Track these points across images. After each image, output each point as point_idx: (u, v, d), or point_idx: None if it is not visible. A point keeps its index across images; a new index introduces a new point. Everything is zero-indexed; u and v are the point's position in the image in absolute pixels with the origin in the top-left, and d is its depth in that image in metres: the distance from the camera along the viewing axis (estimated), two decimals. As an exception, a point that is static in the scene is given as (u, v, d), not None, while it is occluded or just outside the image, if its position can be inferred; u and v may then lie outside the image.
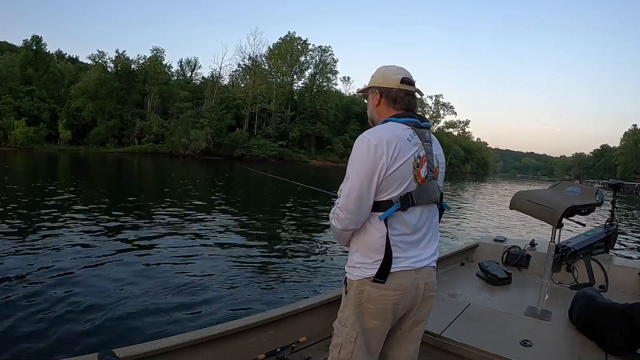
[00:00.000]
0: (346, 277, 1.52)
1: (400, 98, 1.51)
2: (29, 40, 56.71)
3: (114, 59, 59.24)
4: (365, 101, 1.65)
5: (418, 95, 1.57)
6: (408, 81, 1.51)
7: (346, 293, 1.52)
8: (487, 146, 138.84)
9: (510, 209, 2.99)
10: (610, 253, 3.65)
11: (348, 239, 1.50)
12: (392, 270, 1.40)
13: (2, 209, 8.98)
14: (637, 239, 11.48)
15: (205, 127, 54.45)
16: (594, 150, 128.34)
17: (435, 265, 1.53)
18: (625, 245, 9.61)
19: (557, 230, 2.71)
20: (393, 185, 1.39)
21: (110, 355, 1.63)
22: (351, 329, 1.48)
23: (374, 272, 1.40)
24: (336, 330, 1.54)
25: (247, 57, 70.15)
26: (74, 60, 70.72)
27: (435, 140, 1.53)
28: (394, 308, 1.44)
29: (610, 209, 3.84)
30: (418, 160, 1.42)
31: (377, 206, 1.40)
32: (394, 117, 1.47)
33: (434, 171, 1.48)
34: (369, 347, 1.48)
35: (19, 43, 59.81)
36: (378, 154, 1.36)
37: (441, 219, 1.64)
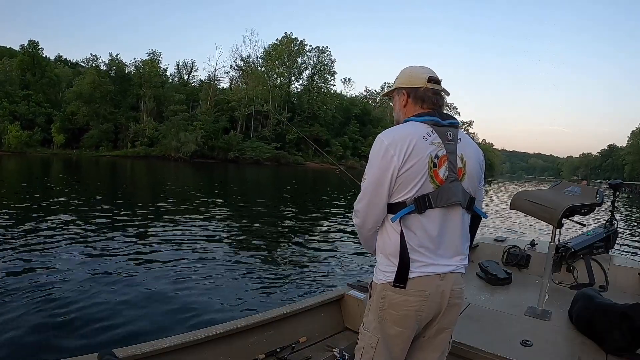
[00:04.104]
0: (372, 281, 1.50)
1: (427, 97, 1.48)
2: (25, 44, 57.12)
3: (107, 62, 59.49)
4: (391, 104, 1.62)
5: (445, 95, 1.53)
6: (435, 80, 1.49)
7: (370, 297, 1.50)
8: (493, 147, 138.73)
9: (511, 209, 2.99)
10: (610, 253, 3.64)
11: (372, 241, 1.50)
12: (413, 275, 1.37)
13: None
14: (637, 239, 11.47)
15: (198, 129, 54.48)
16: (601, 150, 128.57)
17: (463, 271, 1.47)
18: (625, 245, 9.60)
19: (557, 230, 2.70)
20: (407, 186, 1.36)
21: (110, 355, 1.63)
22: (373, 334, 1.45)
23: (394, 276, 1.38)
24: (360, 334, 1.52)
25: (239, 58, 70.28)
26: (74, 65, 70.81)
27: (465, 140, 1.47)
28: (416, 315, 1.40)
29: (611, 209, 3.84)
30: (435, 160, 1.36)
31: (392, 208, 1.38)
32: (414, 117, 1.45)
33: (457, 172, 1.41)
34: (391, 354, 1.44)
35: (18, 48, 60.05)
36: (389, 154, 1.35)
37: (477, 227, 1.57)
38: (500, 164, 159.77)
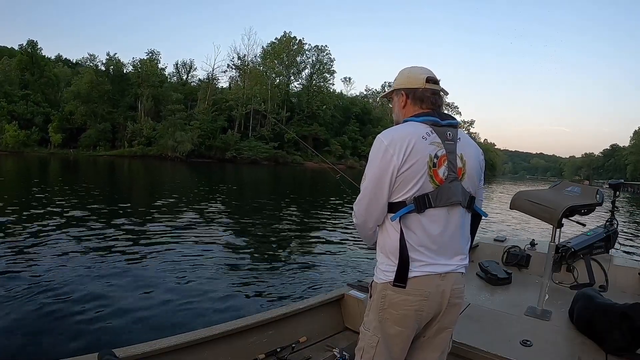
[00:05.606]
0: (372, 280, 1.50)
1: (426, 97, 1.49)
2: (24, 44, 57.23)
3: (104, 61, 59.50)
4: (390, 105, 1.63)
5: (443, 94, 1.54)
6: (433, 80, 1.50)
7: (370, 296, 1.50)
8: (495, 147, 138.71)
9: (511, 208, 2.99)
10: (610, 253, 3.64)
11: (373, 238, 1.50)
12: (413, 275, 1.37)
13: None
14: (637, 239, 11.47)
15: (194, 129, 54.43)
16: (603, 150, 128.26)
17: (463, 271, 1.47)
18: (625, 245, 9.60)
19: (557, 230, 2.70)
20: (407, 186, 1.36)
21: (110, 355, 1.63)
22: (373, 334, 1.45)
23: (394, 275, 1.38)
24: (361, 333, 1.52)
25: (237, 57, 70.00)
26: (74, 65, 70.67)
27: (464, 139, 1.47)
28: (416, 315, 1.40)
29: (611, 208, 3.84)
30: (435, 160, 1.37)
31: (392, 207, 1.39)
32: (413, 117, 1.45)
33: (457, 172, 1.41)
34: (391, 354, 1.44)
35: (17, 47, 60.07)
36: (388, 154, 1.35)
37: (477, 226, 1.58)
38: (503, 164, 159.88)
